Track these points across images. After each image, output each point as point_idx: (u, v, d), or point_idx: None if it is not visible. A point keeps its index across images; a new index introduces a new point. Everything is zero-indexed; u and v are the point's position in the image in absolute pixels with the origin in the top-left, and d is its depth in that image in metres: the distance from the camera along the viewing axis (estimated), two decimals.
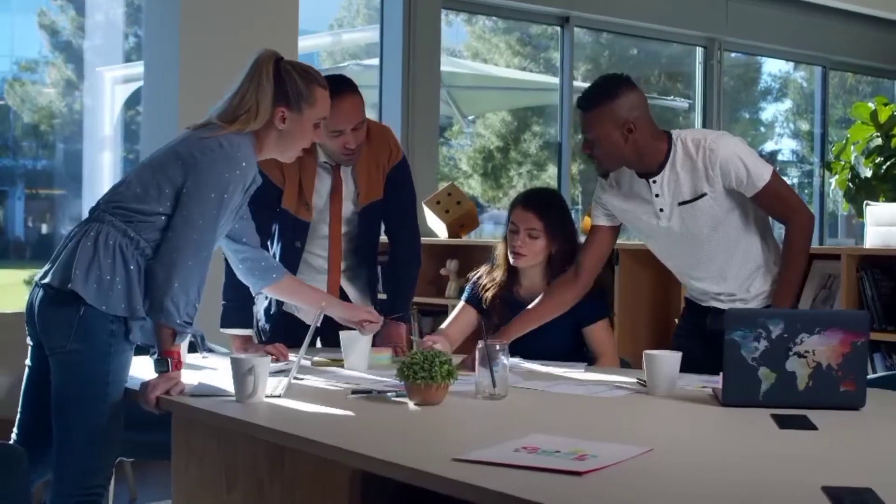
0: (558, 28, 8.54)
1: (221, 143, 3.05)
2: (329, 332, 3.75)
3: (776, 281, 3.49)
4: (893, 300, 4.62)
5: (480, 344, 2.97)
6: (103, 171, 7.35)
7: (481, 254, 6.19)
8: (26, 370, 3.18)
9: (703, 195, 3.40)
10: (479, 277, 3.97)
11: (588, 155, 3.46)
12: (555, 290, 3.68)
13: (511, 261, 3.82)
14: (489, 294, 3.89)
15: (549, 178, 9.65)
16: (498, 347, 2.94)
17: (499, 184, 10.05)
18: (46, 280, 3.02)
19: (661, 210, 3.48)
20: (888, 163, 8.45)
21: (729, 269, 3.52)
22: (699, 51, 8.92)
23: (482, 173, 9.95)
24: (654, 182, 3.46)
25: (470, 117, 9.77)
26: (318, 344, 4.02)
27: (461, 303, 4.00)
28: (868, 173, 8.55)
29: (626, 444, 2.31)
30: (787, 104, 11.61)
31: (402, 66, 7.14)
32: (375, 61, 7.57)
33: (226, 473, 3.00)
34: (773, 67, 11.05)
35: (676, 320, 5.18)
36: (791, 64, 10.83)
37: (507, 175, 10.00)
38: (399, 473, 2.19)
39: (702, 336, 3.56)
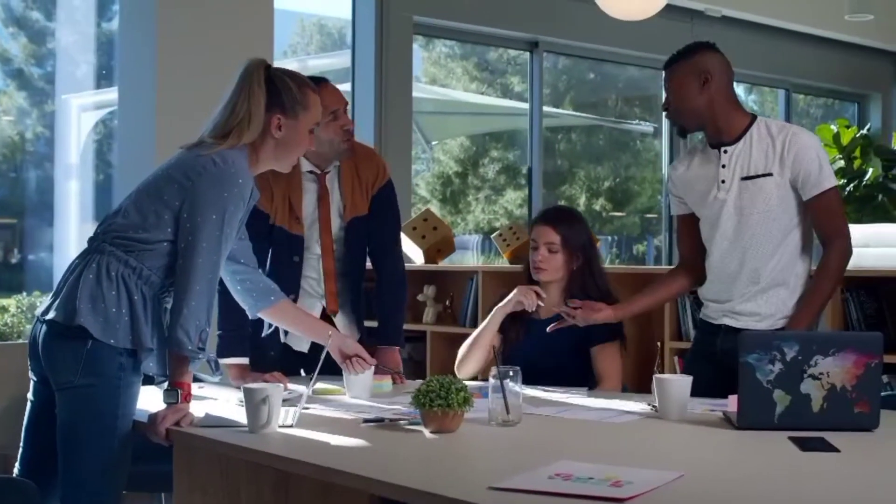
0: (517, 52, 8.60)
1: (215, 160, 2.99)
2: (313, 361, 3.73)
3: (798, 302, 3.51)
4: (878, 321, 4.65)
5: (494, 370, 2.95)
6: (70, 199, 7.27)
7: (459, 279, 6.17)
8: (28, 405, 3.13)
9: (769, 174, 3.44)
10: (500, 298, 3.98)
11: (666, 111, 3.60)
12: (666, 278, 3.83)
13: (533, 275, 3.87)
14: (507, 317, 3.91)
15: (507, 202, 9.66)
16: (511, 373, 2.93)
17: (457, 209, 10.05)
18: (50, 315, 2.96)
19: (723, 181, 3.52)
20: (851, 185, 8.58)
21: (762, 269, 3.50)
22: (665, 74, 8.97)
23: (441, 199, 9.95)
24: (725, 152, 3.51)
25: (433, 143, 9.77)
26: (302, 372, 3.97)
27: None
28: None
29: (657, 470, 2.30)
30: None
31: (375, 91, 7.14)
32: (343, 87, 7.55)
33: (229, 503, 2.96)
34: None
35: (659, 343, 5.21)
36: (742, 87, 10.93)
37: (465, 200, 10.00)
38: (434, 503, 2.17)
39: (712, 357, 3.57)
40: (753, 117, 3.53)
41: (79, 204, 7.25)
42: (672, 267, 3.87)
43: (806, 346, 2.80)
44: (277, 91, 3.10)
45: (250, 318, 3.54)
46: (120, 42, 5.98)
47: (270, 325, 3.84)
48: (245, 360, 3.73)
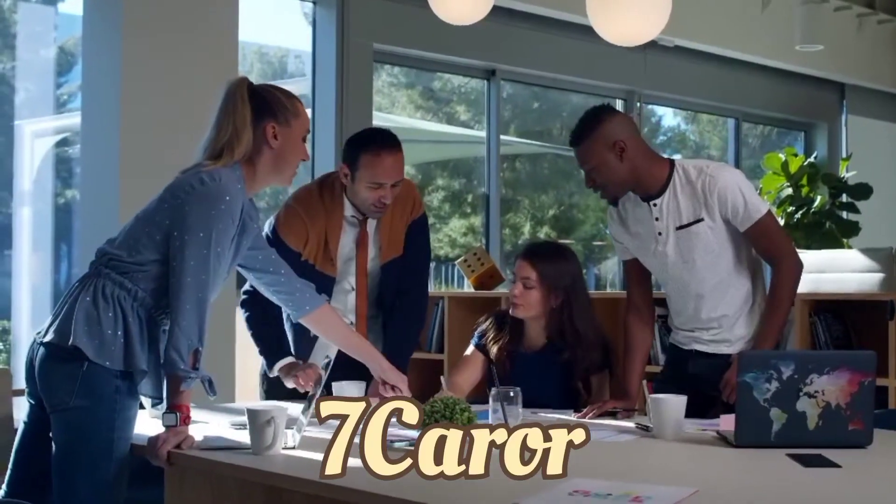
0: (463, 81, 8.66)
1: (203, 178, 2.97)
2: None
3: (760, 324, 3.56)
4: (845, 344, 4.74)
5: (494, 390, 2.97)
6: (23, 226, 7.21)
7: None
8: (21, 426, 3.09)
9: (700, 220, 3.47)
10: (486, 327, 3.97)
11: (592, 188, 3.53)
12: (632, 335, 3.76)
13: (510, 311, 3.83)
14: (495, 347, 3.89)
15: (451, 231, 9.68)
16: (511, 393, 2.95)
17: None
18: (47, 338, 2.94)
19: (660, 234, 3.54)
20: (800, 212, 8.72)
21: (720, 304, 3.56)
22: (619, 103, 9.09)
23: None
24: (655, 205, 3.52)
25: None
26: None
27: (470, 348, 3.98)
28: (780, 222, 8.76)
29: (671, 486, 2.33)
30: (679, 157, 11.79)
31: (336, 119, 7.15)
32: None
33: None
34: (669, 121, 11.26)
35: None
36: (681, 117, 11.07)
37: None
38: None
39: (683, 381, 3.59)
40: (671, 163, 3.53)
41: (32, 230, 7.19)
42: (627, 317, 3.81)
43: (802, 364, 2.86)
44: (265, 101, 3.08)
45: (293, 321, 3.53)
46: (84, 65, 5.94)
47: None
48: (291, 359, 3.68)
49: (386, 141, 3.70)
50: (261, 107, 3.07)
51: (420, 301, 3.99)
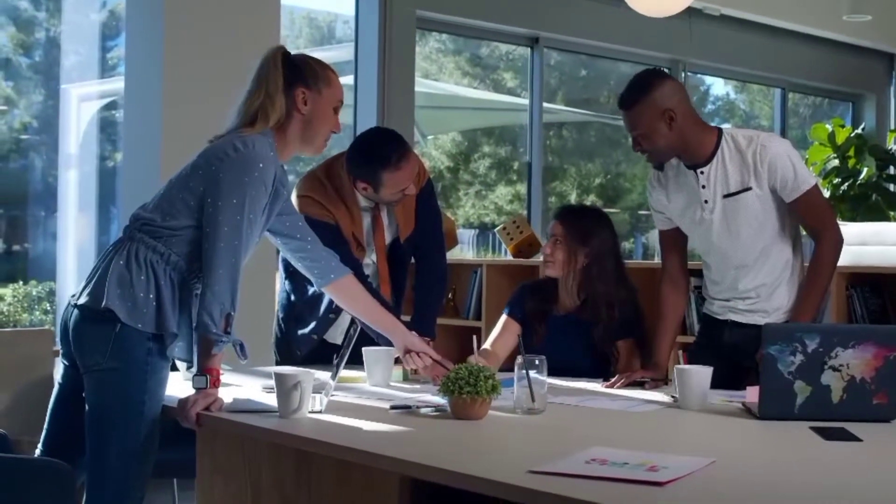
0: (510, 48, 8.63)
1: (236, 145, 3.00)
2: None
3: (797, 296, 3.56)
4: (882, 317, 4.71)
5: (519, 359, 3.00)
6: (69, 188, 7.30)
7: (462, 272, 6.22)
8: (56, 387, 3.16)
9: (748, 189, 3.46)
10: (521, 292, 4.02)
11: (639, 152, 3.53)
12: (665, 303, 3.76)
13: (545, 269, 3.92)
14: (529, 306, 3.96)
15: (497, 198, 9.69)
16: (536, 362, 2.97)
17: (448, 204, 10.08)
18: (81, 300, 2.99)
19: (706, 202, 3.53)
20: (846, 184, 8.65)
21: (759, 273, 3.55)
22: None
23: None
24: (702, 173, 3.52)
25: (429, 137, 9.80)
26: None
27: (503, 317, 4.03)
28: (826, 194, 8.74)
29: (689, 456, 2.35)
30: (728, 127, 11.69)
31: (378, 85, 7.17)
32: (344, 80, 7.57)
33: (251, 489, 3.00)
34: (718, 90, 11.19)
35: None
36: (731, 86, 11.00)
37: (455, 195, 10.02)
38: (475, 485, 2.20)
39: (718, 351, 3.61)
40: (719, 131, 3.53)
41: (78, 193, 7.28)
42: (662, 286, 3.80)
43: (827, 338, 2.86)
44: (297, 68, 3.12)
45: (317, 289, 3.55)
46: (127, 31, 5.99)
47: (308, 325, 3.92)
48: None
49: (400, 149, 3.72)
50: (293, 73, 3.11)
51: (438, 264, 4.04)
